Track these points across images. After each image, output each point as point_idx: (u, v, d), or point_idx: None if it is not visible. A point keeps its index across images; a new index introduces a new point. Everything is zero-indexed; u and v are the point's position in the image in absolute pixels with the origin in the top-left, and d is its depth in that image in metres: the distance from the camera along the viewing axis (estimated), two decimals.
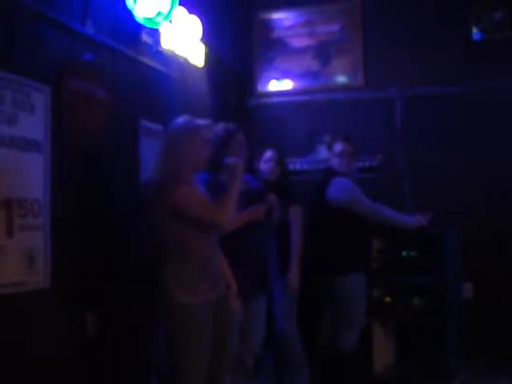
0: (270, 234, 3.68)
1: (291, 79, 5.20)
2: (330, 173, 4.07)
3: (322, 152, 4.94)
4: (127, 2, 3.43)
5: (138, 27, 3.58)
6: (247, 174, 3.51)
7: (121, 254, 3.31)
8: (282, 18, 5.24)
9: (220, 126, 3.41)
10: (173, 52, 3.94)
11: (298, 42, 5.20)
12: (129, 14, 3.47)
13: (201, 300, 2.80)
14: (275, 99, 5.19)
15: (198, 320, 2.79)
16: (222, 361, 2.97)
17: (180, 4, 3.76)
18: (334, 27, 5.10)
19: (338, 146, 4.07)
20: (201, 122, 2.96)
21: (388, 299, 4.27)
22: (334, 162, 4.09)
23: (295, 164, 4.99)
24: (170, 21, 3.75)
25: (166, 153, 2.91)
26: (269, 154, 4.03)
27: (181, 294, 2.77)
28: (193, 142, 2.87)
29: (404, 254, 4.25)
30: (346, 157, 4.07)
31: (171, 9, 3.60)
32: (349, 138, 4.10)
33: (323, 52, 5.13)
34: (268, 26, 5.26)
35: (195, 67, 4.28)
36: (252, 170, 3.78)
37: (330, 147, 4.16)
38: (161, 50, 3.80)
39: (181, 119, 2.96)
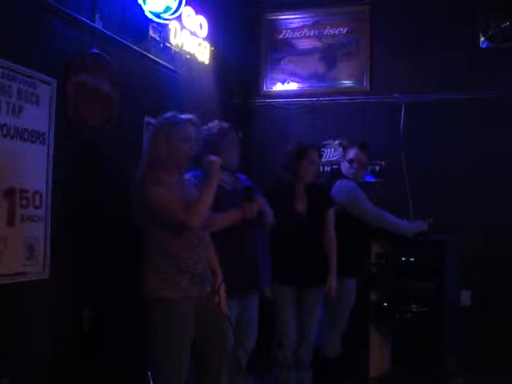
0: (263, 235, 3.48)
1: (297, 81, 5.19)
2: (336, 175, 4.06)
3: (326, 154, 4.95)
4: None
5: (145, 22, 3.58)
6: (241, 174, 3.48)
7: (121, 248, 3.31)
8: (289, 19, 5.23)
9: (214, 124, 3.37)
10: (180, 49, 3.94)
11: (305, 44, 5.19)
12: (137, 8, 3.47)
13: (181, 295, 2.77)
14: (280, 100, 5.19)
15: (177, 314, 2.76)
16: (215, 361, 2.94)
17: (188, 2, 3.77)
18: (342, 30, 5.10)
19: (351, 153, 4.10)
20: (182, 117, 2.88)
21: (386, 304, 4.26)
22: (344, 167, 4.12)
23: None
24: (178, 17, 3.76)
25: (146, 150, 2.90)
26: (315, 155, 3.78)
27: (160, 288, 2.76)
28: (170, 139, 2.81)
29: (403, 259, 4.23)
30: (356, 164, 4.10)
31: (179, 5, 3.61)
32: (364, 146, 4.12)
33: (330, 55, 5.12)
34: (275, 26, 5.26)
35: (201, 65, 4.28)
36: (246, 169, 3.63)
37: (344, 150, 4.17)
38: (168, 46, 3.80)
39: (164, 115, 2.91)
